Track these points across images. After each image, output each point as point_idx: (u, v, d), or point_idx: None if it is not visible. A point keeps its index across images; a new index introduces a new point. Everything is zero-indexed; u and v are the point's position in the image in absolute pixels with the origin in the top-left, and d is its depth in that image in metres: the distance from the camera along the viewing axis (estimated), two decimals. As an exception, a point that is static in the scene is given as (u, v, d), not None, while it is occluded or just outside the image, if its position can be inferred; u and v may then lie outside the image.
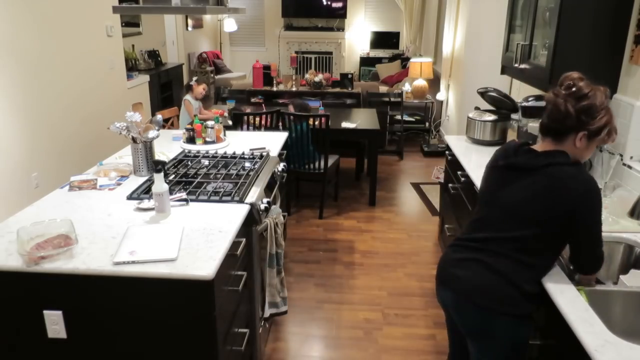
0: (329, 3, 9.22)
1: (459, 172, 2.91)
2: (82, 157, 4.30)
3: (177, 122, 4.76)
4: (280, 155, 2.96)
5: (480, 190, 1.77)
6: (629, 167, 2.19)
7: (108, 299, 1.63)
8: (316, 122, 3.98)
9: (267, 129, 4.05)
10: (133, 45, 6.72)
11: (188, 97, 4.55)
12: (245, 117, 4.04)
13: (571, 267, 1.64)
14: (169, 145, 2.98)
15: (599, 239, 1.53)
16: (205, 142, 2.96)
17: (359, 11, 9.42)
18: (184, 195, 2.13)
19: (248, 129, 4.02)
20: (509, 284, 1.54)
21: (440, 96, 6.56)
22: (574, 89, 1.50)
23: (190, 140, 2.96)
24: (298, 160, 4.09)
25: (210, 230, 1.86)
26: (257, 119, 4.07)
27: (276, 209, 2.41)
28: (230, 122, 4.11)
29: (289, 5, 9.26)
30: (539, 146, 1.61)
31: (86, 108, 4.49)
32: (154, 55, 7.13)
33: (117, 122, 2.42)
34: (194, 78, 4.64)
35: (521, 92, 3.50)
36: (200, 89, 4.56)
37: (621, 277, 1.73)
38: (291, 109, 4.17)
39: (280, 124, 4.09)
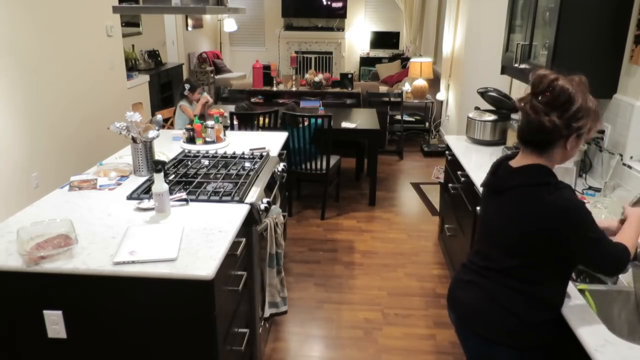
0: (329, 3, 9.21)
1: (459, 172, 2.91)
2: (82, 157, 4.30)
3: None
4: (280, 155, 2.96)
5: (480, 213, 1.65)
6: (629, 167, 2.19)
7: (108, 299, 1.63)
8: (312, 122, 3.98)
9: (266, 129, 4.05)
10: (133, 45, 6.72)
11: (184, 102, 4.47)
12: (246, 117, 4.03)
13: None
14: (169, 145, 2.98)
15: (600, 246, 1.36)
16: (205, 142, 2.96)
17: (359, 11, 9.42)
18: (184, 195, 2.13)
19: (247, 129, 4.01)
20: (507, 313, 1.43)
21: (440, 96, 6.56)
22: (553, 93, 1.34)
23: (190, 140, 2.96)
24: (299, 161, 4.09)
25: (210, 230, 1.86)
26: (262, 118, 4.06)
27: (276, 209, 2.41)
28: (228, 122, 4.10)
29: (289, 5, 9.25)
30: (518, 158, 1.46)
31: (86, 108, 4.49)
32: (154, 55, 7.13)
33: (117, 122, 2.42)
34: (187, 86, 4.46)
35: (521, 92, 3.49)
36: (197, 95, 4.41)
37: (621, 277, 1.73)
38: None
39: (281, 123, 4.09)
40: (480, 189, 2.22)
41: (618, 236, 1.43)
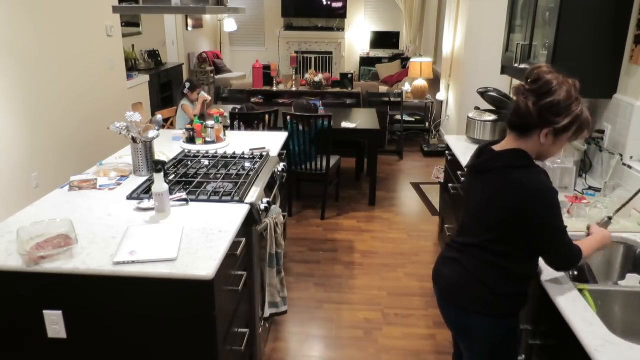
0: (329, 3, 9.21)
1: (459, 172, 2.91)
2: (82, 157, 4.30)
3: (176, 123, 4.75)
4: (280, 155, 2.96)
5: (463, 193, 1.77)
6: (629, 167, 2.19)
7: (108, 299, 1.63)
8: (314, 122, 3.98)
9: (267, 128, 4.05)
10: (133, 45, 6.72)
11: (185, 101, 4.49)
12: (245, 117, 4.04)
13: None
14: (169, 145, 2.98)
15: (561, 237, 1.47)
16: (205, 142, 2.96)
17: (359, 11, 9.42)
18: (184, 195, 2.13)
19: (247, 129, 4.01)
20: (480, 284, 1.56)
21: (440, 96, 6.56)
22: (538, 83, 1.43)
23: (190, 140, 2.96)
24: (299, 161, 4.09)
25: (210, 230, 1.86)
26: (266, 117, 4.06)
27: (276, 209, 2.41)
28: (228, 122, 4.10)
29: (289, 5, 9.25)
30: (502, 143, 1.56)
31: (86, 108, 4.49)
32: (153, 55, 7.13)
33: (117, 122, 2.42)
34: (187, 85, 4.49)
35: (521, 92, 3.50)
36: (196, 95, 4.45)
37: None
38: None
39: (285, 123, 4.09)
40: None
41: (579, 242, 1.54)
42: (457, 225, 1.76)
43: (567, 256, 1.50)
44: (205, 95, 4.46)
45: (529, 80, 1.46)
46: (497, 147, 1.57)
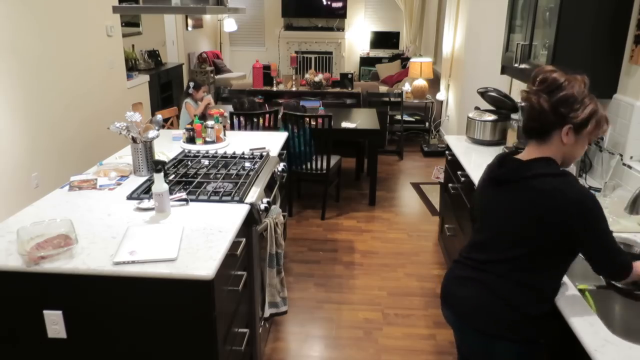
0: (329, 3, 9.21)
1: (459, 172, 2.91)
2: (82, 157, 4.30)
3: (176, 122, 4.76)
4: (280, 155, 2.96)
5: (476, 206, 1.66)
6: (629, 167, 2.19)
7: (108, 299, 1.63)
8: (314, 122, 3.97)
9: (266, 128, 4.05)
10: (133, 45, 6.72)
11: (189, 100, 4.53)
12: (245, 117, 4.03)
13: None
14: (169, 145, 2.98)
15: (613, 248, 1.39)
16: (205, 142, 2.96)
17: (359, 11, 9.42)
18: (184, 195, 2.13)
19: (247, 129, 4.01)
20: (509, 307, 1.45)
21: (440, 96, 6.56)
22: (546, 82, 1.40)
23: (190, 140, 2.96)
24: (299, 161, 4.09)
25: (210, 230, 1.86)
26: (261, 118, 4.07)
27: (276, 208, 2.41)
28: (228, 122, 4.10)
29: (289, 5, 9.25)
30: (525, 153, 1.49)
31: (86, 108, 4.49)
32: (153, 55, 7.13)
33: (117, 122, 2.42)
34: (191, 84, 4.54)
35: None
36: (201, 93, 4.53)
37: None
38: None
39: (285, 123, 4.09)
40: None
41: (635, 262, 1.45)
42: (469, 240, 1.65)
43: (619, 267, 1.41)
44: (209, 98, 4.50)
45: (536, 82, 1.43)
46: (521, 157, 1.48)
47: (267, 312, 2.40)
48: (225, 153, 2.76)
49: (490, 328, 1.47)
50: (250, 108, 4.16)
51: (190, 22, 8.47)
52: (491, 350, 1.49)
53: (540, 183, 1.39)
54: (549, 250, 1.40)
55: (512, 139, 3.05)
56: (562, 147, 1.42)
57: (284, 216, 2.83)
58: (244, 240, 2.01)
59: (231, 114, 4.00)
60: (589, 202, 1.35)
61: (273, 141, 3.13)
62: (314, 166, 4.10)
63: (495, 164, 1.56)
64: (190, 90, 4.49)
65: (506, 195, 1.47)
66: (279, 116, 4.06)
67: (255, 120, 4.00)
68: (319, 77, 5.85)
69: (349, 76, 6.02)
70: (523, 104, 1.47)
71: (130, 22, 6.68)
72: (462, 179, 2.85)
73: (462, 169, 2.85)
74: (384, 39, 9.40)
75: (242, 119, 3.98)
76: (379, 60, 9.02)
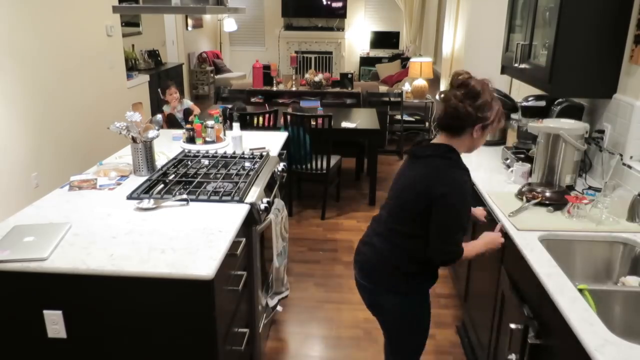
0: (329, 3, 9.22)
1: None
2: (82, 157, 4.30)
3: None
4: (280, 155, 2.96)
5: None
6: (629, 167, 2.18)
7: (108, 299, 1.63)
8: (314, 123, 3.98)
9: (266, 128, 4.05)
10: (133, 45, 6.72)
11: (165, 106, 4.40)
12: (247, 117, 4.03)
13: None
14: (168, 145, 2.98)
15: (449, 236, 1.65)
16: (205, 142, 2.96)
17: (358, 11, 9.42)
18: (184, 195, 2.13)
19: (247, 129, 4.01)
20: (392, 265, 1.76)
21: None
22: (467, 88, 1.62)
23: (190, 140, 2.96)
24: (300, 161, 4.09)
25: (210, 230, 1.86)
26: (260, 118, 4.06)
27: (279, 202, 2.43)
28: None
29: (289, 5, 9.26)
30: (436, 141, 1.74)
31: (86, 108, 4.49)
32: (153, 55, 7.13)
33: (117, 122, 2.42)
34: (160, 92, 4.45)
35: (521, 92, 3.50)
36: (168, 96, 4.34)
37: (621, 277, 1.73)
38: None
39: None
40: (480, 188, 2.32)
41: (466, 244, 1.73)
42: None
43: (445, 254, 1.68)
44: (173, 91, 4.38)
45: (456, 86, 1.65)
46: (433, 141, 1.75)
47: (274, 301, 2.43)
48: (225, 153, 2.76)
49: (376, 281, 1.82)
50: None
51: (190, 22, 8.47)
52: (381, 298, 1.84)
53: (432, 162, 1.69)
54: (415, 221, 1.68)
55: (512, 138, 3.05)
56: (471, 141, 1.70)
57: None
58: (244, 240, 2.01)
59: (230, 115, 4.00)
60: (453, 191, 1.62)
61: (273, 141, 3.13)
62: (314, 166, 4.10)
63: (414, 143, 1.84)
64: (164, 98, 4.44)
65: (410, 170, 1.77)
66: (286, 118, 4.03)
67: (249, 119, 3.99)
68: (319, 77, 5.85)
69: (349, 76, 6.02)
70: (447, 106, 1.67)
71: (130, 22, 6.68)
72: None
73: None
74: (384, 39, 9.40)
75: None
76: (378, 60, 9.02)
